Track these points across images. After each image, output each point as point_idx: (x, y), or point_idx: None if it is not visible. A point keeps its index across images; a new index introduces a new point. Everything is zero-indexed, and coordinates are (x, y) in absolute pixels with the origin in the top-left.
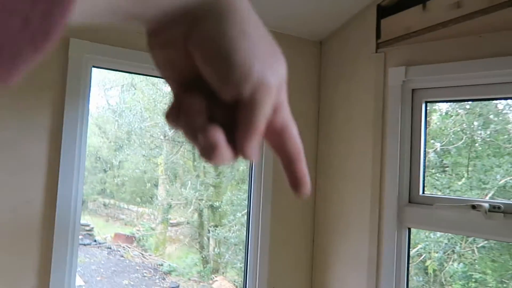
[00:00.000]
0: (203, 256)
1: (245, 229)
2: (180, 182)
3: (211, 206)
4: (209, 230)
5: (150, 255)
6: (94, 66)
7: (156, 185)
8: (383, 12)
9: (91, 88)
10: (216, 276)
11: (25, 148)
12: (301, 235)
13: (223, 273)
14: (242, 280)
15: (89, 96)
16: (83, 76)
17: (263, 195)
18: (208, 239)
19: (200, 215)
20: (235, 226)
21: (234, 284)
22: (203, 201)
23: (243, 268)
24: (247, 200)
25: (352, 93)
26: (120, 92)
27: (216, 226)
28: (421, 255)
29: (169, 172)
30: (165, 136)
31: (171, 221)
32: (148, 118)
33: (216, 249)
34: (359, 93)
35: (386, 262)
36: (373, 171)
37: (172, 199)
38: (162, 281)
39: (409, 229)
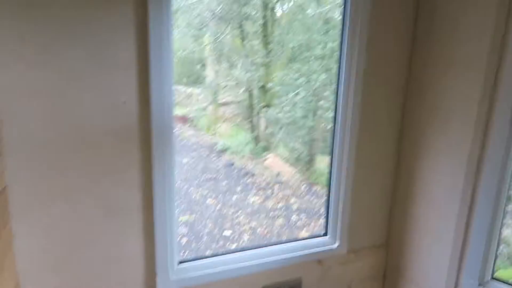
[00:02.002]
0: (254, 135)
1: (297, 109)
2: (229, 63)
3: (263, 87)
4: (260, 110)
5: (203, 134)
6: None
7: (204, 66)
8: None
9: None
10: (268, 154)
11: (115, 47)
12: (389, 123)
13: (274, 151)
14: (329, 162)
15: None
16: None
17: (355, 79)
18: (259, 119)
19: (251, 96)
20: (287, 106)
21: (286, 161)
22: (255, 82)
23: (329, 153)
24: (336, 82)
25: None
26: None
27: (267, 106)
28: None
29: (216, 52)
30: (212, 14)
31: (220, 101)
32: None
33: (268, 129)
34: None
35: (490, 161)
36: (488, 60)
37: (220, 79)
38: (218, 159)
39: None
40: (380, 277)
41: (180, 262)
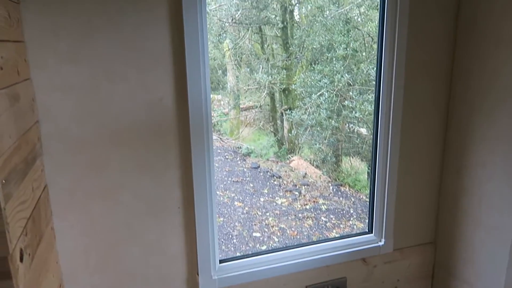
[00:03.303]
0: (278, 138)
1: (321, 110)
2: (249, 67)
3: (285, 89)
4: (282, 113)
5: (227, 139)
6: None
7: (225, 72)
8: None
9: None
10: (292, 156)
11: (147, 40)
12: (433, 113)
13: (298, 153)
14: (371, 164)
15: None
16: None
17: (396, 74)
18: (282, 121)
19: (272, 99)
20: (311, 108)
21: (311, 163)
22: (277, 85)
23: (370, 157)
24: (375, 79)
25: None
26: None
27: (289, 109)
28: None
29: (237, 57)
30: (232, 19)
31: (241, 106)
32: (213, 2)
33: (293, 131)
34: None
35: None
36: None
37: (241, 84)
38: (243, 162)
39: None
40: (429, 276)
41: (221, 261)
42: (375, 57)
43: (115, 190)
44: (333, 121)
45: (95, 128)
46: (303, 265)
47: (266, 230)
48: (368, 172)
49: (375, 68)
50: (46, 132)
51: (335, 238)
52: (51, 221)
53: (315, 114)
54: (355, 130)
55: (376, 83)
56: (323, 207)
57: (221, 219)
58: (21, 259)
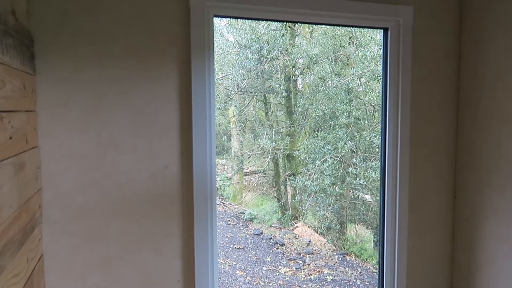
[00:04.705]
0: (282, 204)
1: (325, 176)
2: (253, 133)
3: (289, 155)
4: (286, 179)
5: (230, 203)
6: (215, 16)
7: (229, 137)
8: None
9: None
10: (296, 223)
11: (157, 112)
12: (441, 187)
13: (302, 219)
14: (379, 236)
15: (213, 49)
16: (206, 27)
17: (400, 144)
18: (286, 187)
19: (276, 164)
20: (314, 174)
21: (315, 230)
22: (281, 151)
23: (378, 225)
24: (380, 150)
25: None
26: None
27: (293, 174)
28: None
29: (241, 124)
30: (237, 88)
31: (245, 171)
32: (220, 71)
33: (297, 197)
34: None
35: None
36: None
37: (245, 149)
38: (246, 228)
39: None
40: None
41: None
42: (377, 125)
43: (114, 261)
44: (337, 188)
45: (98, 196)
46: None
47: None
48: (374, 241)
49: (378, 137)
50: (47, 200)
51: None
52: None
53: (318, 180)
54: (360, 197)
55: (381, 155)
56: (329, 278)
57: None
58: None
